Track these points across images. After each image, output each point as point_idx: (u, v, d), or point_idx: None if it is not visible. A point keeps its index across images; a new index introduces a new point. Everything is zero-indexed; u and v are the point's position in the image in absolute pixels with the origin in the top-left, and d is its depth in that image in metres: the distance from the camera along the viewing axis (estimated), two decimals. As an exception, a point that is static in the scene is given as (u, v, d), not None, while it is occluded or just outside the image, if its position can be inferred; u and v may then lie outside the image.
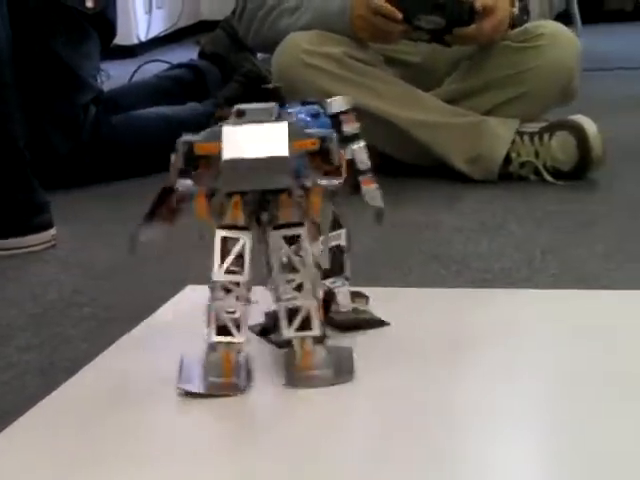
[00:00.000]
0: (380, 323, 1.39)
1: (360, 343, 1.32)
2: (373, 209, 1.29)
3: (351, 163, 1.28)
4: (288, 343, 1.25)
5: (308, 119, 1.27)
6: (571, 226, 1.92)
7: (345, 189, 1.27)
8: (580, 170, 2.20)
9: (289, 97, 1.30)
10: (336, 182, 1.24)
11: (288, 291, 1.23)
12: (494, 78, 2.30)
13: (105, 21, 2.59)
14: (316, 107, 1.29)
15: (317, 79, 2.21)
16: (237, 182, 1.21)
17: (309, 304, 1.22)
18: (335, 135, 1.23)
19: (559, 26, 2.34)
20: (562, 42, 2.29)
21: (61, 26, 2.48)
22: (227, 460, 1.10)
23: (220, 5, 4.19)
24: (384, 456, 1.07)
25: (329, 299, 1.34)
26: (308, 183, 1.22)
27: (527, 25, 2.31)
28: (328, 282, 1.35)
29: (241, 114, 1.22)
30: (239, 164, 1.20)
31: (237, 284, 1.21)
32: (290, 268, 1.23)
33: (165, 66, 3.11)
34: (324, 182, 1.23)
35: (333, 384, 1.23)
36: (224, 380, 1.22)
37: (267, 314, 1.35)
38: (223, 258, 1.21)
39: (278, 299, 1.24)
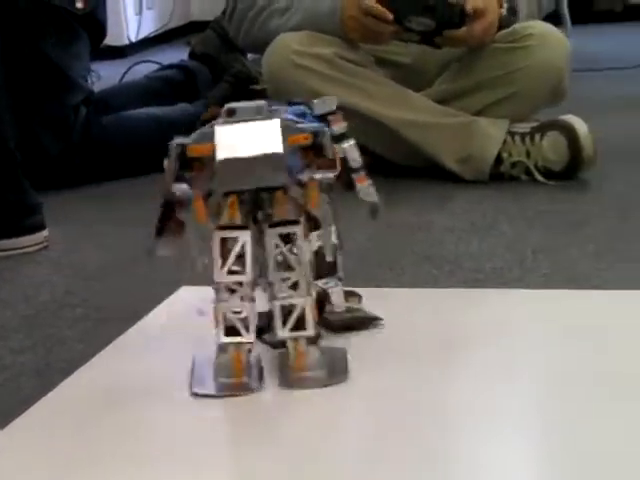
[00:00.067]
0: (374, 320, 1.39)
1: (353, 344, 1.33)
2: (368, 205, 1.29)
3: (343, 161, 1.28)
4: (283, 344, 1.25)
5: (296, 119, 1.27)
6: (562, 226, 1.92)
7: (339, 186, 1.27)
8: (571, 170, 2.21)
9: (279, 98, 1.30)
10: (331, 175, 1.24)
11: (284, 289, 1.23)
12: (484, 78, 2.31)
13: (95, 22, 2.59)
14: (302, 107, 1.29)
15: (307, 80, 2.21)
16: (233, 182, 1.20)
17: (304, 302, 1.23)
18: (327, 129, 1.23)
19: (548, 27, 2.35)
20: (552, 42, 2.29)
21: (51, 27, 2.48)
22: (225, 460, 1.11)
23: (211, 5, 4.19)
24: (378, 456, 1.07)
25: (323, 300, 1.34)
26: (304, 178, 1.22)
27: (515, 26, 2.32)
28: (321, 283, 1.35)
29: (232, 113, 1.22)
30: (234, 164, 1.19)
31: (240, 284, 1.22)
32: (285, 266, 1.23)
33: (155, 67, 3.11)
34: (319, 176, 1.23)
35: (326, 385, 1.23)
36: (235, 380, 1.22)
37: (261, 314, 1.35)
38: (224, 259, 1.21)
39: (273, 297, 1.24)
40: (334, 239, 1.35)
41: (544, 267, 1.70)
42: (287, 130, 1.20)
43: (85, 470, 1.09)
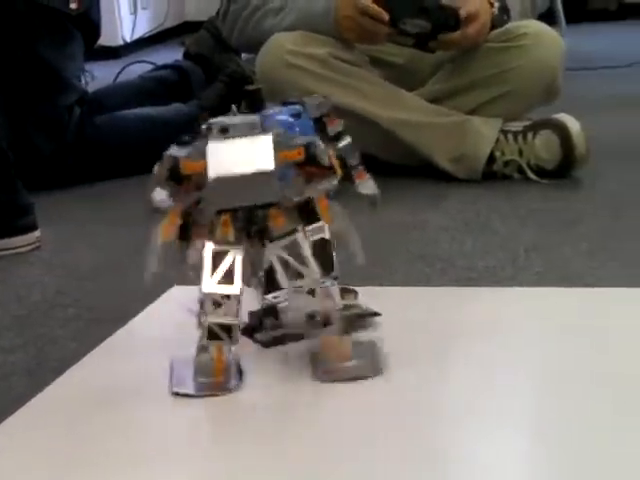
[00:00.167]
0: (372, 315, 1.39)
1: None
2: (367, 198, 1.31)
3: (342, 159, 1.29)
4: (274, 343, 1.25)
5: (290, 120, 1.27)
6: (555, 224, 1.92)
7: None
8: (564, 168, 2.21)
9: (273, 98, 1.31)
10: (333, 182, 1.24)
11: (302, 299, 1.24)
12: (478, 78, 2.31)
13: (89, 22, 2.59)
14: (297, 107, 1.29)
15: (301, 80, 2.21)
16: (225, 200, 1.21)
17: (326, 305, 1.24)
18: (318, 140, 1.23)
19: (543, 26, 2.35)
20: (546, 41, 2.30)
21: (45, 28, 2.47)
22: (216, 459, 1.10)
23: (205, 6, 4.18)
24: (374, 455, 1.07)
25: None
26: (309, 194, 1.22)
27: (509, 25, 2.32)
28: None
29: (225, 130, 1.22)
30: (226, 181, 1.20)
31: (227, 297, 1.22)
32: (295, 275, 1.23)
33: (150, 67, 3.10)
34: (321, 187, 1.24)
35: (361, 376, 1.24)
36: (214, 380, 1.23)
37: (251, 313, 1.35)
38: (213, 272, 1.22)
39: (295, 308, 1.25)
40: (326, 235, 1.35)
41: (537, 265, 1.70)
42: (279, 146, 1.21)
43: (76, 469, 1.09)
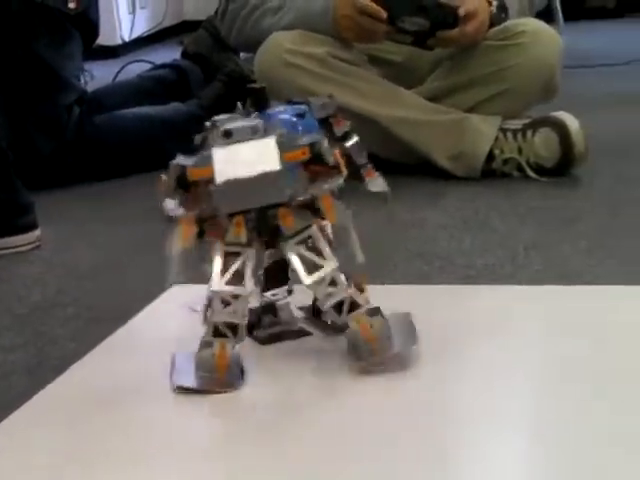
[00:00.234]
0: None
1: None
2: (378, 195, 1.32)
3: (349, 159, 1.29)
4: (271, 340, 1.25)
5: (294, 119, 1.27)
6: (554, 222, 1.93)
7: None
8: (563, 166, 2.21)
9: (271, 97, 1.31)
10: (339, 181, 1.25)
11: (324, 292, 1.24)
12: (476, 75, 2.31)
13: (87, 22, 2.60)
14: (303, 107, 1.29)
15: (300, 79, 2.21)
16: (234, 203, 1.22)
17: (349, 293, 1.24)
18: (323, 138, 1.23)
19: (541, 24, 2.35)
20: (544, 39, 2.30)
21: (43, 27, 2.48)
22: (218, 458, 1.11)
23: (204, 5, 4.19)
24: (375, 455, 1.07)
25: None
26: (314, 193, 1.23)
27: (507, 23, 2.32)
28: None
29: (228, 134, 1.23)
30: (234, 185, 1.21)
31: (236, 297, 1.22)
32: (314, 268, 1.24)
33: (148, 66, 3.11)
34: (327, 186, 1.24)
35: (399, 352, 1.25)
36: (216, 376, 1.23)
37: (251, 310, 1.35)
38: (224, 271, 1.22)
39: (320, 302, 1.25)
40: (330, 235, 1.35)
41: (536, 263, 1.70)
42: (283, 147, 1.22)
43: (77, 467, 1.09)
